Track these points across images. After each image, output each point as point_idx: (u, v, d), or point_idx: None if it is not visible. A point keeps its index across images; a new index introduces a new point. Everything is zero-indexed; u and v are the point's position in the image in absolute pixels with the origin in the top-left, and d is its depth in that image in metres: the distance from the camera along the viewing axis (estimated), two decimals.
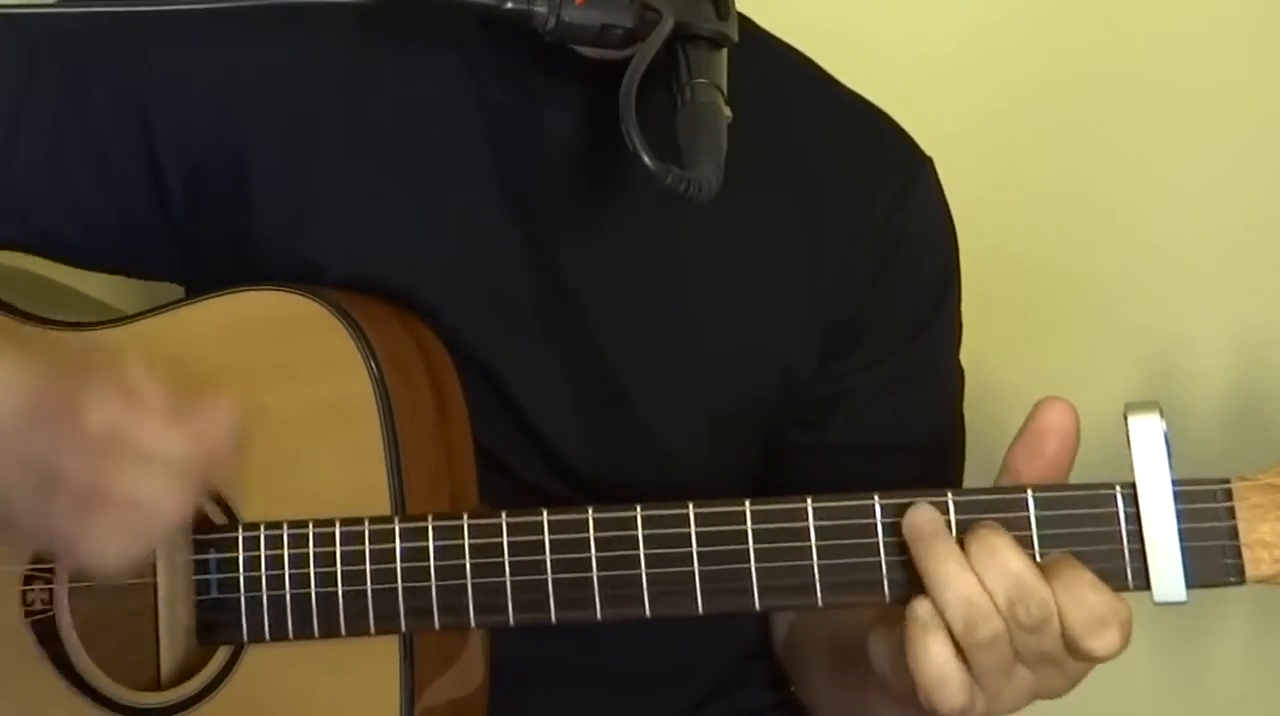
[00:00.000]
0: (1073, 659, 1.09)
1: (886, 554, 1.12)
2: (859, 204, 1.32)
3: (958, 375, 1.37)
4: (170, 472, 1.09)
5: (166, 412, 1.09)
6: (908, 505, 1.12)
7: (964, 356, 1.37)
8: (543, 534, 1.16)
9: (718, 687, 1.37)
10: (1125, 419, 1.10)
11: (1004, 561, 1.07)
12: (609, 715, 1.33)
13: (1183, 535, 1.09)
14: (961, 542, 1.09)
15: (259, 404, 1.20)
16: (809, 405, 1.33)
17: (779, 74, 1.34)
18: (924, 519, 1.10)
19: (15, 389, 1.08)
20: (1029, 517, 1.11)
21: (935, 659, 1.07)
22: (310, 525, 1.18)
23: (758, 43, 1.29)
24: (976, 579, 1.08)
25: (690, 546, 1.15)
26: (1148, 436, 1.09)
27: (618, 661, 1.30)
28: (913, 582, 1.11)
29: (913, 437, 1.33)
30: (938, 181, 1.36)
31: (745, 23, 1.23)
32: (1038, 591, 1.07)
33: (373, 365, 1.19)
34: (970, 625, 1.07)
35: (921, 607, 1.08)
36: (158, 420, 1.09)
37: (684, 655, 1.33)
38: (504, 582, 1.16)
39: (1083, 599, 1.07)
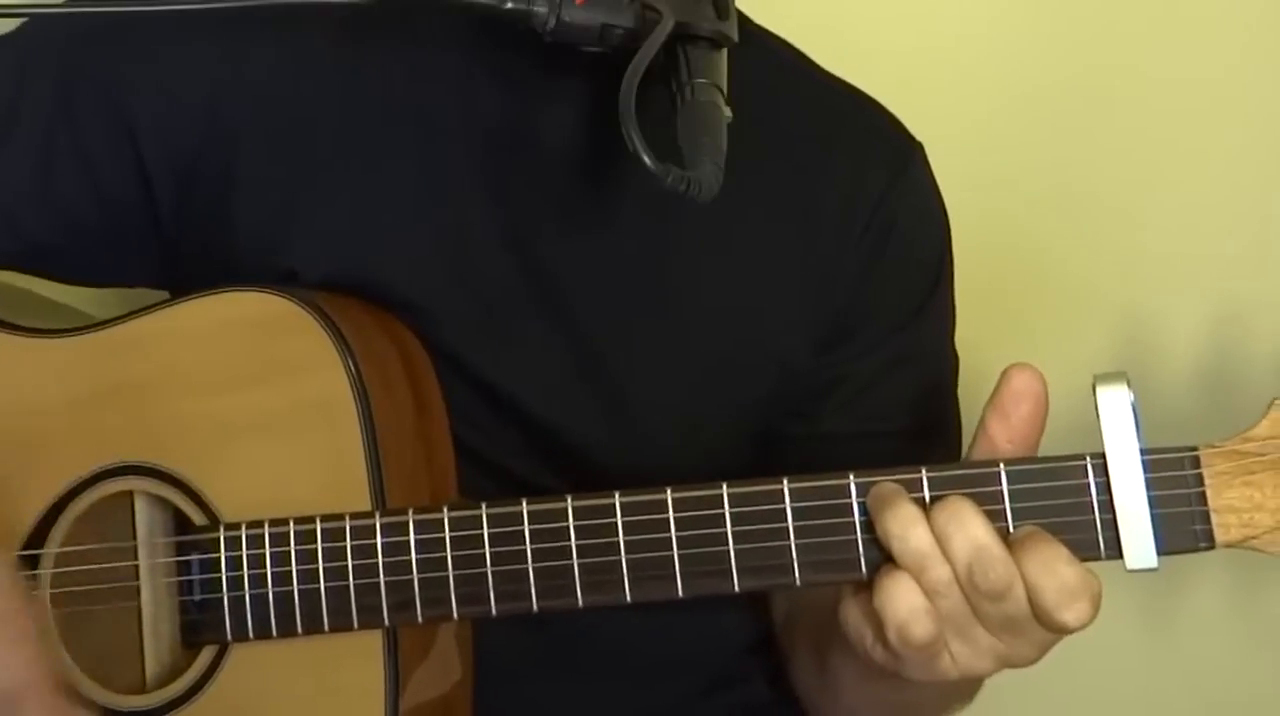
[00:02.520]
0: (1042, 628, 1.10)
1: (863, 532, 1.14)
2: (850, 191, 1.32)
3: (952, 359, 1.38)
4: None
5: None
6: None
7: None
8: (522, 524, 1.17)
9: (714, 682, 1.37)
10: (1094, 390, 1.11)
11: (968, 529, 1.09)
12: (603, 708, 1.33)
13: (1152, 503, 1.11)
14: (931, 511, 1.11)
15: (238, 403, 1.21)
16: (804, 395, 1.34)
17: (773, 70, 1.34)
18: (887, 487, 1.13)
19: None
20: (1001, 492, 1.13)
21: (903, 595, 1.10)
22: (291, 523, 1.19)
23: (754, 40, 1.30)
24: (931, 534, 1.10)
25: (669, 531, 1.16)
26: (1116, 407, 1.11)
27: (612, 654, 1.31)
28: (889, 560, 1.13)
29: (908, 423, 1.33)
30: (929, 167, 1.37)
31: (741, 20, 1.25)
32: (999, 560, 1.09)
33: (350, 363, 1.20)
34: (920, 570, 1.09)
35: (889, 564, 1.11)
36: None
37: (679, 648, 1.34)
38: (485, 573, 1.17)
39: (1055, 571, 1.09)
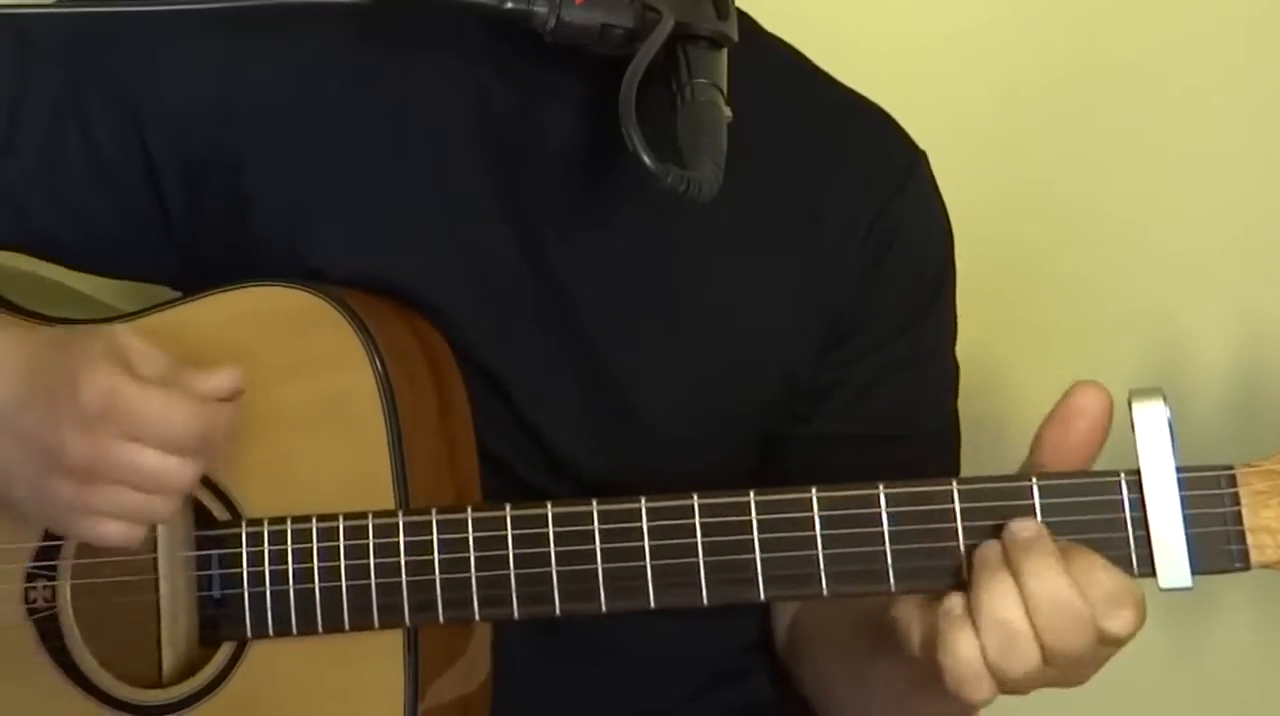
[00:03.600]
0: (1095, 648, 1.09)
1: (891, 543, 1.13)
2: (855, 198, 1.32)
3: (953, 366, 1.38)
4: (170, 446, 1.10)
5: (164, 381, 1.10)
6: (911, 494, 1.13)
7: (966, 349, 1.38)
8: (547, 526, 1.16)
9: (715, 678, 1.37)
10: (1129, 405, 1.10)
11: (1053, 589, 1.07)
12: (604, 701, 1.33)
13: (1187, 521, 1.10)
14: (1013, 558, 1.09)
15: (262, 398, 1.20)
16: (805, 398, 1.33)
17: (775, 72, 1.34)
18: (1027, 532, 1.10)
19: (9, 366, 1.09)
20: (1034, 506, 1.11)
21: (965, 654, 1.08)
22: (314, 520, 1.18)
23: (754, 40, 1.30)
24: (1022, 608, 1.07)
25: (695, 537, 1.15)
26: (1152, 423, 1.10)
27: (613, 649, 1.31)
28: (919, 573, 1.12)
29: (907, 428, 1.33)
30: (932, 175, 1.36)
31: (742, 19, 1.23)
32: (1086, 621, 1.07)
33: (376, 359, 1.19)
34: (1004, 653, 1.07)
35: (956, 602, 1.09)
36: (155, 390, 1.09)
37: (680, 644, 1.33)
38: (508, 576, 1.16)
39: (1097, 581, 1.08)
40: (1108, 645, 1.09)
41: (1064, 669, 1.09)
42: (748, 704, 1.39)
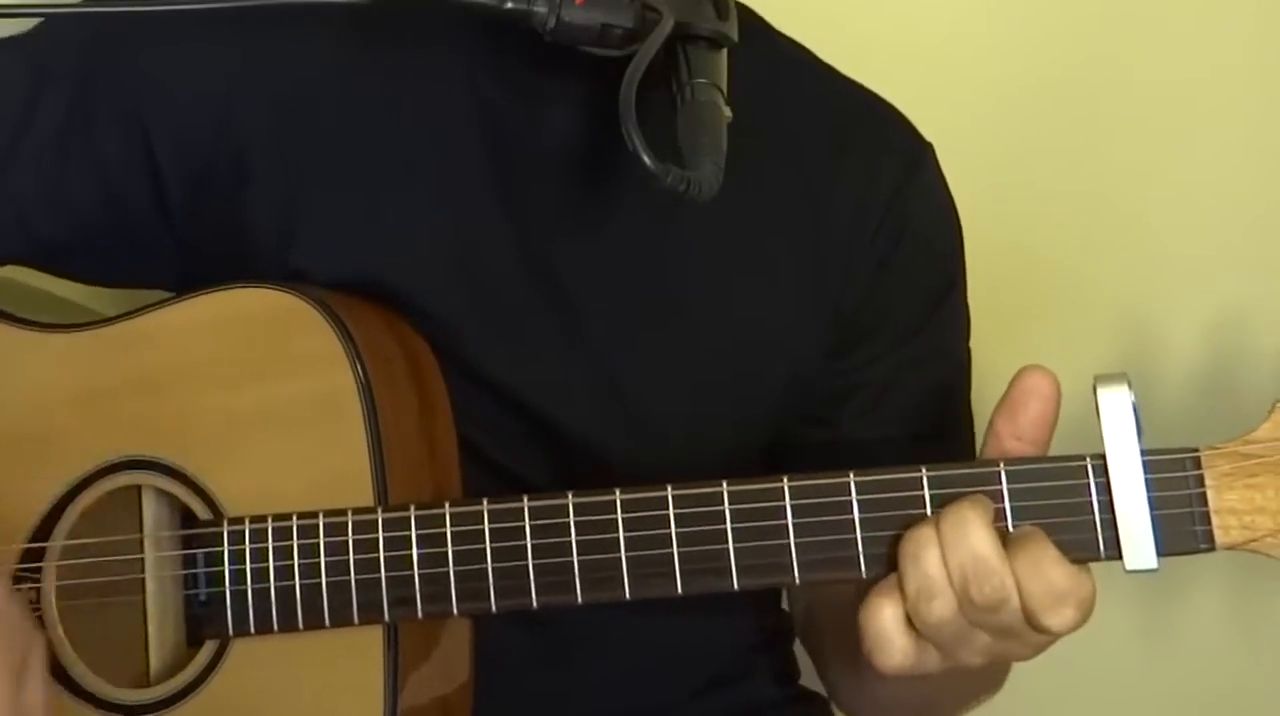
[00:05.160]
0: (1034, 632, 1.10)
1: (862, 531, 1.14)
2: (862, 193, 1.32)
3: (966, 360, 1.38)
4: None
5: None
6: (882, 481, 1.14)
7: None
8: (523, 520, 1.17)
9: (715, 679, 1.37)
10: (1094, 391, 1.11)
11: (969, 538, 1.09)
12: (601, 703, 1.33)
13: (1153, 504, 1.11)
14: (939, 516, 1.11)
15: (244, 398, 1.22)
16: (819, 400, 1.33)
17: (780, 69, 1.34)
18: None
19: None
20: (1001, 491, 1.12)
21: (883, 619, 1.10)
22: (294, 517, 1.19)
23: (760, 37, 1.30)
24: (940, 555, 1.09)
25: (669, 528, 1.16)
26: (1117, 407, 1.11)
27: (611, 650, 1.31)
28: (889, 559, 1.13)
29: (925, 425, 1.33)
30: (939, 167, 1.36)
31: (748, 16, 1.24)
32: (995, 574, 1.08)
33: (356, 360, 1.20)
34: (924, 596, 1.09)
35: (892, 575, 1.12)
36: None
37: (678, 645, 1.33)
38: (485, 569, 1.17)
39: (1044, 574, 1.09)
40: (1044, 635, 1.10)
41: (995, 634, 1.10)
42: (749, 705, 1.39)
